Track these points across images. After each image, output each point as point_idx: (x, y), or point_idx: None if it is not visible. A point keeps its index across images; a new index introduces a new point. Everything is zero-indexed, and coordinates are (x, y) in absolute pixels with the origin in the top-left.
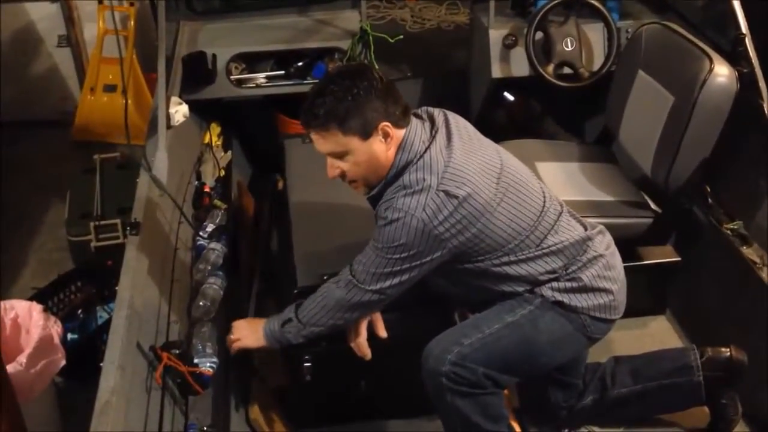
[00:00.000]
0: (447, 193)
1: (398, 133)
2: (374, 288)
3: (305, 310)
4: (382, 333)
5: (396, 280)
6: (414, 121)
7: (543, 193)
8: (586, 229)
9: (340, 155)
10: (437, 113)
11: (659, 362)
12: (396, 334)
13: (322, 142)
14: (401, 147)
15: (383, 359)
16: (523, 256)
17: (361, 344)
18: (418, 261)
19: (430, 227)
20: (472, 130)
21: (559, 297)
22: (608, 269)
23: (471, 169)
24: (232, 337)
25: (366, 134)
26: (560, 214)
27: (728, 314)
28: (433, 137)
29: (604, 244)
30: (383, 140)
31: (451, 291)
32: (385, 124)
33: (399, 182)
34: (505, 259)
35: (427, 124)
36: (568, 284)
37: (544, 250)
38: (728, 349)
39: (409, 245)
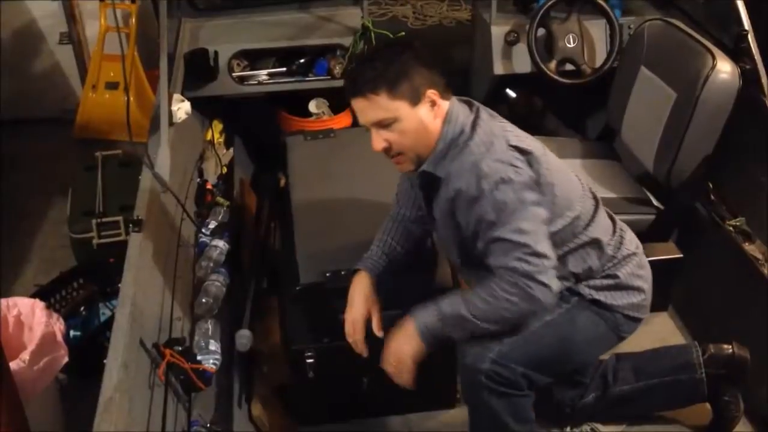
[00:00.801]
0: (518, 149)
1: (443, 104)
2: (544, 250)
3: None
4: (379, 332)
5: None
6: (453, 98)
7: (580, 181)
8: (617, 225)
9: (388, 123)
10: (469, 100)
11: (661, 359)
12: None
13: (369, 110)
14: (447, 119)
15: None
16: (567, 248)
17: (359, 342)
18: (542, 203)
19: (525, 175)
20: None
21: (596, 295)
22: (641, 267)
23: (526, 134)
24: (391, 368)
25: (415, 100)
26: (596, 206)
27: (730, 311)
28: (476, 113)
29: (635, 242)
30: (430, 108)
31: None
32: (433, 92)
33: (461, 153)
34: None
35: (464, 104)
36: (605, 282)
37: (583, 243)
38: (730, 346)
39: (525, 195)
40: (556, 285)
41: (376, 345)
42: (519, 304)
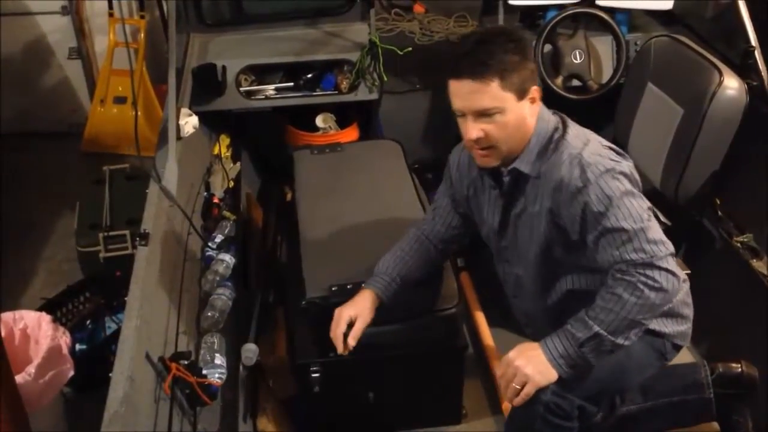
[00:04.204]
0: (611, 149)
1: (539, 104)
2: (659, 236)
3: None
4: (351, 341)
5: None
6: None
7: None
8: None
9: (491, 113)
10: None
11: (669, 379)
12: (404, 344)
13: (475, 95)
14: (540, 117)
15: (391, 371)
16: None
17: (337, 339)
18: (643, 201)
19: (626, 167)
20: None
21: (650, 323)
22: (688, 296)
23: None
24: (516, 385)
25: (522, 94)
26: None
27: (738, 327)
28: (562, 116)
29: (682, 269)
30: (530, 105)
31: (543, 307)
32: (536, 88)
33: (557, 149)
34: None
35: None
36: None
37: None
38: (739, 365)
39: (629, 185)
40: (680, 272)
41: (384, 359)
42: (648, 299)
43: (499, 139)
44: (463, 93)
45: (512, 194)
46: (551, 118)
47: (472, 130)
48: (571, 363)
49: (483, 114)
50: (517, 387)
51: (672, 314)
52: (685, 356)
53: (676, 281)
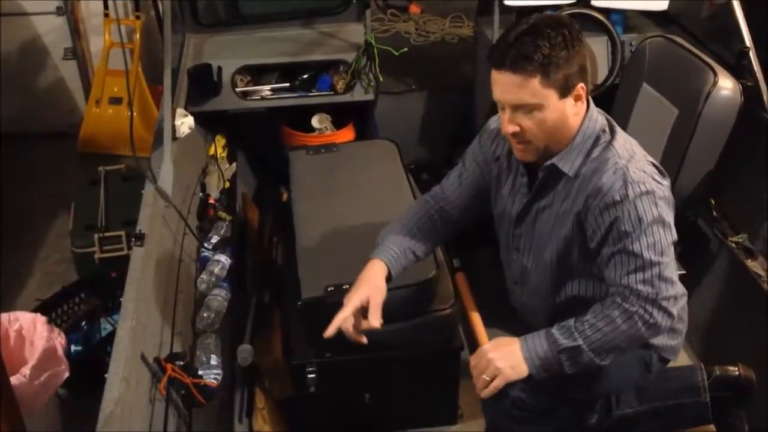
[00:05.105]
0: (655, 166)
1: (586, 102)
2: (673, 276)
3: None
4: (375, 322)
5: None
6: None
7: None
8: None
9: (530, 109)
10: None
11: (665, 382)
12: (399, 345)
13: (514, 89)
14: (588, 116)
15: (387, 371)
16: None
17: (348, 329)
18: (672, 233)
19: (666, 192)
20: None
21: None
22: (684, 311)
23: None
24: (486, 377)
25: (565, 91)
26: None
27: (733, 327)
28: (609, 120)
29: (680, 310)
30: (574, 104)
31: (543, 306)
32: (582, 86)
33: (603, 153)
34: None
35: (599, 110)
36: None
37: None
38: (736, 368)
39: (665, 213)
40: (677, 312)
41: (381, 359)
42: (638, 332)
43: (536, 135)
44: (502, 84)
45: (543, 188)
46: (600, 120)
47: (507, 124)
48: (546, 366)
49: (521, 108)
50: (487, 379)
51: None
52: (681, 358)
53: (670, 321)
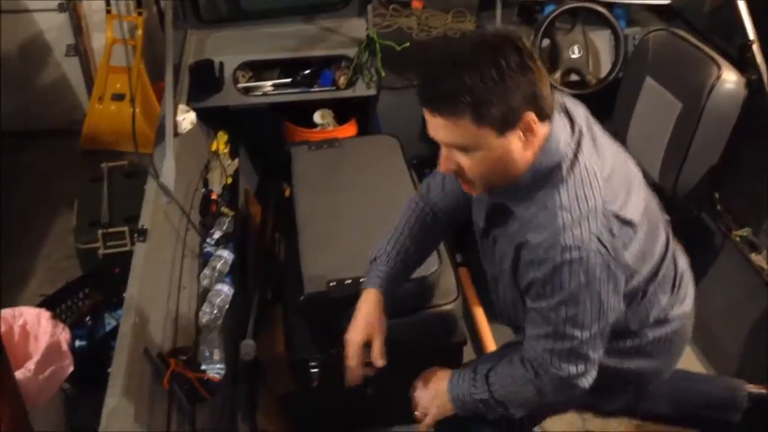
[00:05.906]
0: (618, 217)
1: (541, 130)
2: (593, 355)
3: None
4: (379, 361)
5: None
6: (556, 114)
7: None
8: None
9: (465, 149)
10: (573, 105)
11: (704, 384)
12: (402, 340)
13: (444, 131)
14: (543, 148)
15: (390, 365)
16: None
17: (354, 369)
18: (605, 306)
19: (612, 255)
20: (600, 129)
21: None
22: (667, 342)
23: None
24: (417, 414)
25: (505, 127)
26: (669, 233)
27: (736, 321)
28: (578, 141)
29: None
30: (523, 136)
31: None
32: (531, 117)
33: (548, 195)
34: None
35: (565, 119)
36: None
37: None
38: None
39: (594, 289)
40: (587, 383)
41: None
42: (545, 396)
43: (476, 175)
44: (431, 123)
45: (495, 218)
46: (560, 149)
47: (445, 162)
48: (469, 407)
49: (456, 147)
50: (419, 415)
51: (639, 353)
52: (689, 359)
53: (575, 393)
